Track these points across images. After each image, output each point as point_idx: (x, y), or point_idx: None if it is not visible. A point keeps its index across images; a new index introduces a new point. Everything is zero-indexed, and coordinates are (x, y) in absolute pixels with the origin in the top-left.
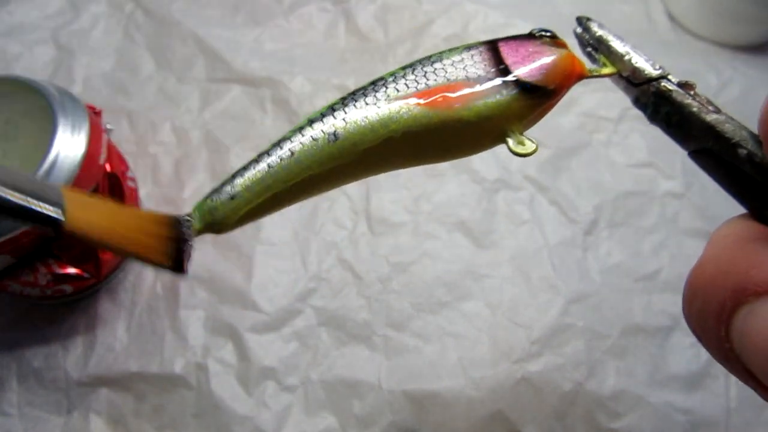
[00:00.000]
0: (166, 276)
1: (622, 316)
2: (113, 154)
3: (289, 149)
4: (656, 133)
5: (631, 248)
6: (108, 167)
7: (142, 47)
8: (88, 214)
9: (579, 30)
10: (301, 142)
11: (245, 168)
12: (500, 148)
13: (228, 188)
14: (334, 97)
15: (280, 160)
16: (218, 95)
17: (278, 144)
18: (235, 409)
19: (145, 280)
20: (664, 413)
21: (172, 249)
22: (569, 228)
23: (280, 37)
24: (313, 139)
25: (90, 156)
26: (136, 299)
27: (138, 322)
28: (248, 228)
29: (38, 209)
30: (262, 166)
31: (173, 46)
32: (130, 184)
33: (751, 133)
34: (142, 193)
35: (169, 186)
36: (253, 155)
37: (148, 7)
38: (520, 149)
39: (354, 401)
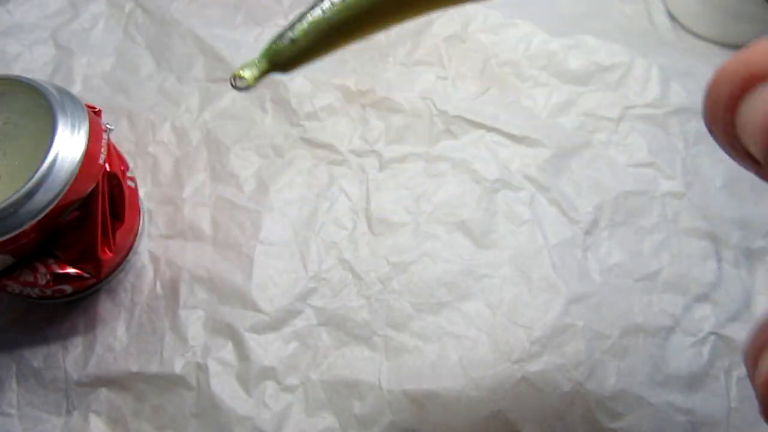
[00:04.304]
0: (166, 276)
1: (623, 316)
2: (113, 153)
3: None
4: (657, 133)
5: (632, 248)
6: (108, 167)
7: (142, 47)
8: None
9: None
10: None
11: (303, 15)
12: (500, 150)
13: (289, 33)
14: (334, 97)
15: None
16: (218, 95)
17: None
18: (235, 409)
19: (145, 280)
20: (665, 413)
21: None
22: (569, 228)
23: None
24: None
25: (90, 155)
26: (136, 299)
27: (138, 322)
28: (248, 228)
29: None
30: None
31: (173, 46)
32: (129, 183)
33: None
34: (142, 192)
35: (168, 186)
36: (253, 154)
37: (148, 7)
38: None
39: (354, 401)
